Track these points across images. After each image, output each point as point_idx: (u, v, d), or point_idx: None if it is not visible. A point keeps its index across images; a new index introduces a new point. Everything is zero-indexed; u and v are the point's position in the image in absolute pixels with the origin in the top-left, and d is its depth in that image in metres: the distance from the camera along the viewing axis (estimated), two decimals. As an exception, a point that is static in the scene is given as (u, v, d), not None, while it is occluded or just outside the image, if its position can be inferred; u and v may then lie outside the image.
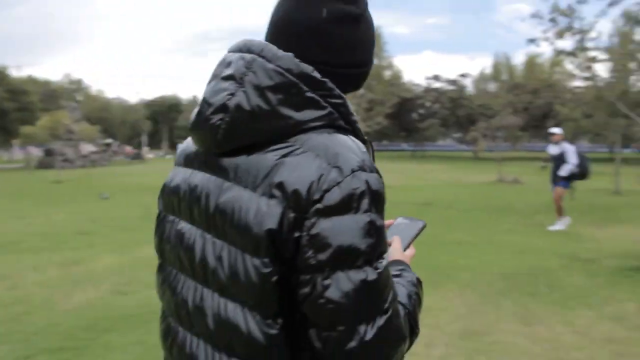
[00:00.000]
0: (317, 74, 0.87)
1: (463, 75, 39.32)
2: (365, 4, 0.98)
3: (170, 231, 1.00)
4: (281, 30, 0.95)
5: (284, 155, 0.84)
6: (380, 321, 0.81)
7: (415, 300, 0.96)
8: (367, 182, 0.82)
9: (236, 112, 0.87)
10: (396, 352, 0.85)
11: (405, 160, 33.38)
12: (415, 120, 36.23)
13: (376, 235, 0.82)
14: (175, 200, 1.00)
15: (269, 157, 0.85)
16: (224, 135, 0.88)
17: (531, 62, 61.23)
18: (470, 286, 4.75)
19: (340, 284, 0.79)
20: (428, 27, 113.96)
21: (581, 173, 7.68)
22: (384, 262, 0.83)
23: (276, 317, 0.83)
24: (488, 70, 64.36)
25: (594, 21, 10.02)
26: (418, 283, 1.00)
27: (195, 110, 0.93)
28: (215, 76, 0.94)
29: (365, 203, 0.81)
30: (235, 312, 0.86)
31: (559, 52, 10.19)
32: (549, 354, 3.24)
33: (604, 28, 34.47)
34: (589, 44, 10.02)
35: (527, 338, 3.46)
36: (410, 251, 1.11)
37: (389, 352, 0.84)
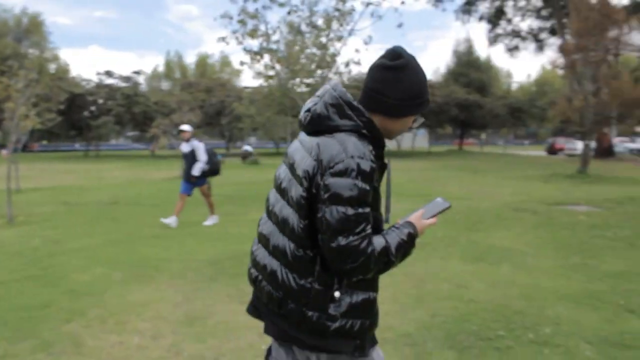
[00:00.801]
0: (354, 102, 1.63)
1: (137, 72, 38.40)
2: (405, 60, 1.63)
3: (278, 170, 1.80)
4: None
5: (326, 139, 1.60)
6: (351, 237, 1.50)
7: (399, 242, 1.58)
8: (358, 164, 1.51)
9: (313, 113, 1.66)
10: (358, 261, 1.50)
11: (79, 160, 30.85)
12: (87, 117, 33.73)
13: (357, 191, 1.50)
14: (285, 155, 1.79)
15: (319, 139, 1.62)
16: (307, 123, 1.68)
17: (203, 62, 63.90)
18: (181, 276, 4.80)
19: (332, 211, 1.50)
20: (94, 20, 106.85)
21: (212, 170, 7.94)
22: (365, 209, 1.52)
23: (305, 219, 1.58)
24: (161, 68, 64.76)
25: (276, 26, 11.09)
26: (408, 235, 1.61)
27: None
28: (314, 96, 1.74)
29: (354, 174, 1.50)
30: (290, 213, 1.64)
31: (248, 52, 10.95)
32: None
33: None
34: (272, 46, 11.05)
35: (244, 315, 3.66)
36: (430, 220, 1.70)
37: (355, 259, 1.50)
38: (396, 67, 1.60)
